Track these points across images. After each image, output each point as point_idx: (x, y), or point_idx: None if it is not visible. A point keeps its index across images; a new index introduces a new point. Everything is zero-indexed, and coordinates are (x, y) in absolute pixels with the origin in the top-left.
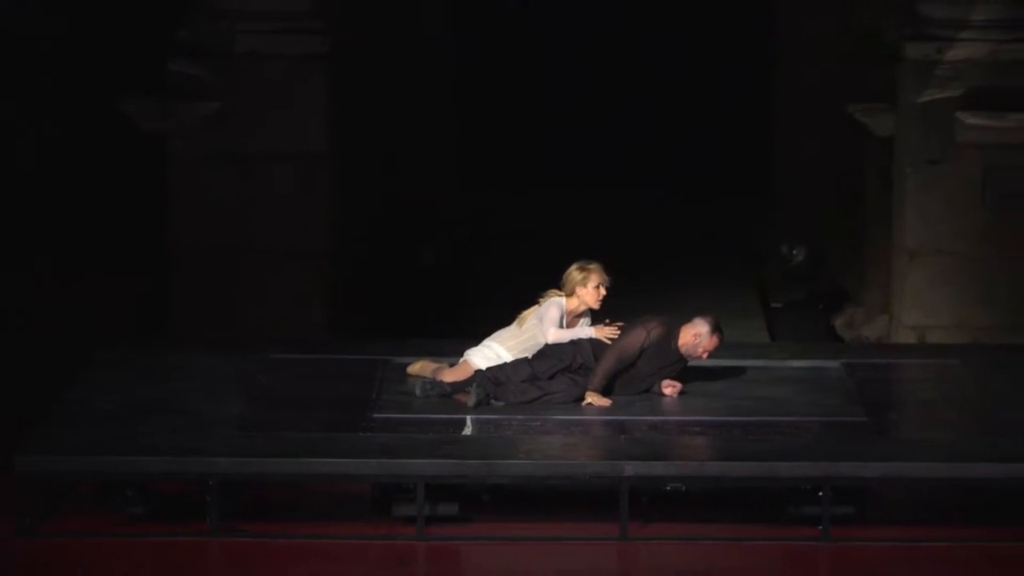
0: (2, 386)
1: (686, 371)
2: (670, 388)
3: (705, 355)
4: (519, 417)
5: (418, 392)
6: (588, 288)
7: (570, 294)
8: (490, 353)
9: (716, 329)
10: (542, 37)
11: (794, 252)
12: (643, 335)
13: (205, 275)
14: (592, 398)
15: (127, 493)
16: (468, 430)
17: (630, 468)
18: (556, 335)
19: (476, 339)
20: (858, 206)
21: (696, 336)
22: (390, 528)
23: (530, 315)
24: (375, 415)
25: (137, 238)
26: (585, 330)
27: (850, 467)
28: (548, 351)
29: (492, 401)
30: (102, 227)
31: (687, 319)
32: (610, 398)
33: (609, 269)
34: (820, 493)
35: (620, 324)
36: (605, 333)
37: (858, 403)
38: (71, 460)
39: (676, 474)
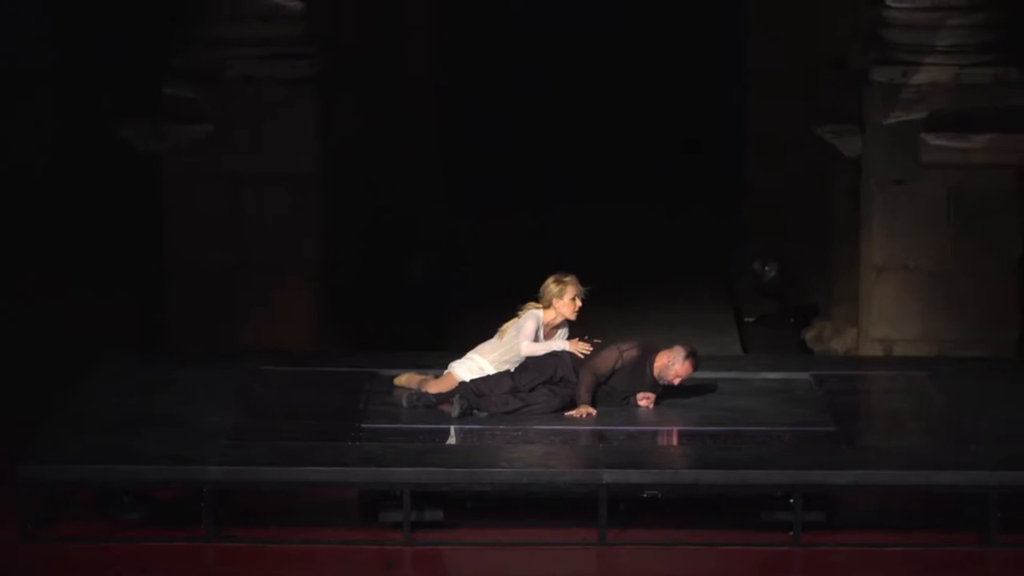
0: (5, 397)
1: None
2: (645, 400)
3: (677, 380)
4: (501, 427)
5: (404, 403)
6: (564, 300)
7: (547, 306)
8: (473, 365)
9: (690, 356)
10: (520, 60)
11: (766, 269)
12: (615, 356)
13: (200, 291)
14: (582, 410)
15: (124, 500)
16: (452, 439)
17: (608, 476)
18: (530, 348)
19: (460, 352)
20: (827, 224)
21: (669, 360)
22: (378, 533)
23: (510, 327)
24: (363, 425)
25: (135, 255)
26: (559, 343)
27: (820, 475)
28: (529, 364)
29: (475, 412)
30: (102, 244)
31: (667, 345)
32: (581, 407)
33: (587, 283)
34: (791, 500)
35: (596, 340)
36: (578, 348)
37: (827, 413)
38: (71, 468)
39: (652, 482)
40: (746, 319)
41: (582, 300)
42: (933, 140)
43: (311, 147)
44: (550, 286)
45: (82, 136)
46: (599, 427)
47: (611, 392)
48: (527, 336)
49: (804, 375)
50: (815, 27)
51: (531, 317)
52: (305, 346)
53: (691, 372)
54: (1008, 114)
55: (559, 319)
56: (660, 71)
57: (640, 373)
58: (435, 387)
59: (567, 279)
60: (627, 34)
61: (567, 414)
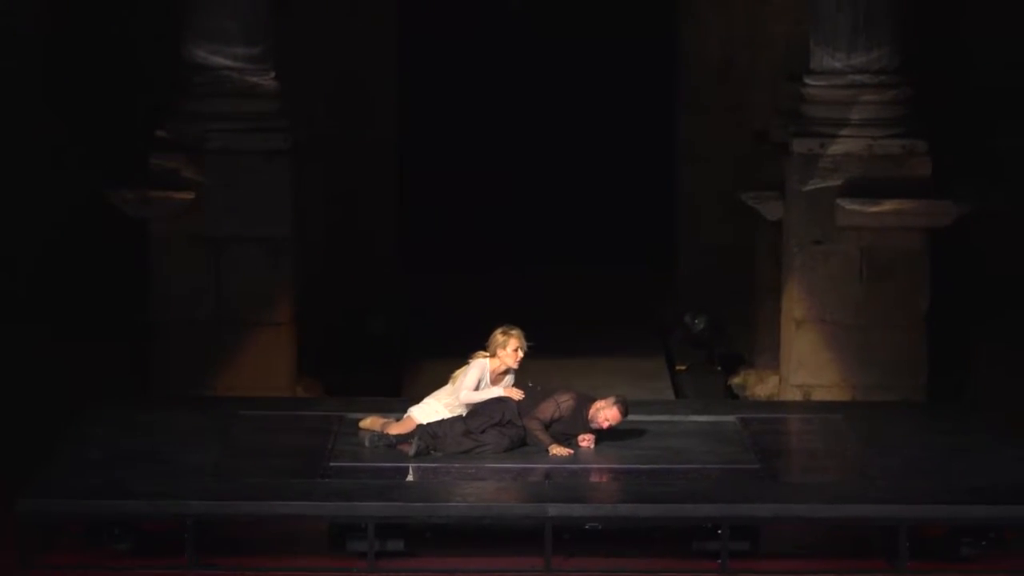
0: (5, 439)
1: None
2: (585, 441)
3: (606, 424)
4: (456, 465)
5: (367, 443)
6: (508, 350)
7: (493, 355)
8: (429, 409)
9: (618, 403)
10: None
11: (696, 321)
12: (553, 407)
13: (183, 342)
14: (555, 450)
15: (114, 532)
16: (412, 477)
17: (553, 509)
18: (468, 396)
19: (418, 398)
20: (751, 281)
21: (598, 408)
22: (345, 562)
23: (460, 374)
24: (331, 463)
25: (124, 309)
26: (494, 391)
27: (745, 508)
28: (479, 409)
29: (432, 451)
30: (95, 300)
31: (599, 394)
32: (553, 447)
33: (534, 335)
34: (719, 531)
35: (535, 385)
36: (512, 393)
37: (752, 452)
38: (65, 503)
39: (593, 515)
40: (678, 367)
41: (524, 351)
42: (847, 205)
43: (284, 212)
44: (497, 337)
45: (79, 203)
46: (545, 465)
47: (554, 434)
48: (467, 385)
49: (731, 418)
50: (741, 104)
51: (476, 366)
52: (278, 392)
53: (620, 418)
54: (915, 182)
55: (503, 367)
56: (605, 145)
57: (577, 420)
58: (396, 429)
59: (512, 332)
60: (573, 108)
61: (552, 453)
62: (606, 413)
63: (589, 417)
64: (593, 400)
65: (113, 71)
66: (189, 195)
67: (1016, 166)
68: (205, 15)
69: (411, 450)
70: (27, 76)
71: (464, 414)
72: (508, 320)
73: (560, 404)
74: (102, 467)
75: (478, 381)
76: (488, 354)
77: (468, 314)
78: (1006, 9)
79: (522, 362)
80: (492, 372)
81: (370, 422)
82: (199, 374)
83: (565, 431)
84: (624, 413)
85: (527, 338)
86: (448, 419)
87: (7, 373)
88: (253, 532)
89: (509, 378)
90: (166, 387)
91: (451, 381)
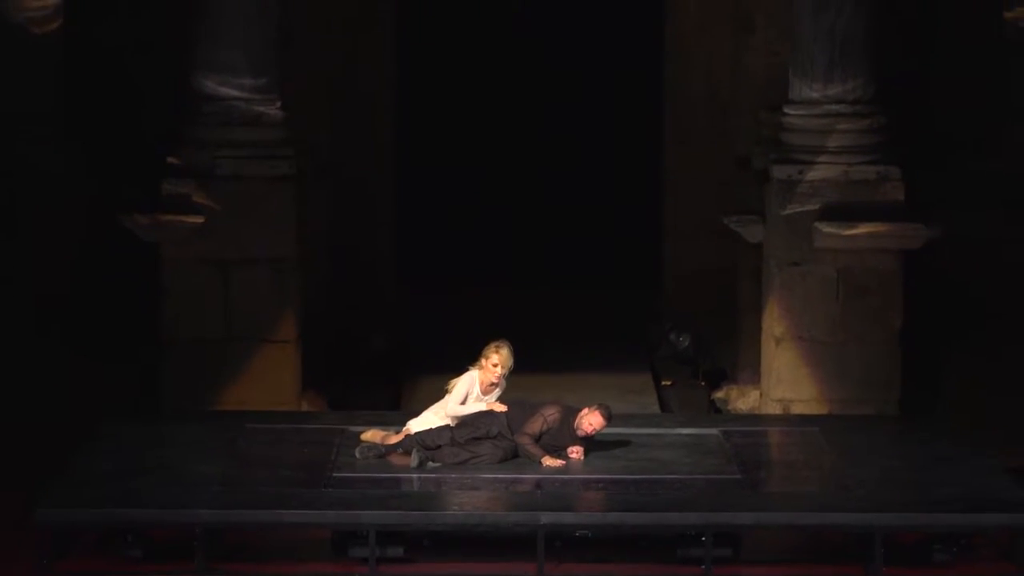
0: (25, 452)
1: (592, 437)
2: (575, 453)
3: (591, 430)
4: (452, 476)
5: (357, 455)
6: (487, 365)
7: (480, 368)
8: (426, 422)
9: (600, 410)
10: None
11: (681, 339)
12: (541, 421)
13: (193, 359)
14: (548, 462)
15: (127, 539)
16: (411, 487)
17: (545, 518)
18: (453, 409)
19: (416, 411)
20: (734, 301)
21: (582, 417)
22: (347, 567)
23: (452, 386)
24: (334, 474)
25: (137, 328)
26: (478, 405)
27: (727, 516)
28: (467, 420)
29: (430, 463)
30: (110, 319)
31: (582, 405)
32: (545, 458)
33: (525, 352)
34: (703, 538)
35: (515, 399)
36: (493, 407)
37: (734, 463)
38: (81, 512)
39: (583, 523)
40: (663, 383)
41: (504, 366)
42: (824, 228)
43: (289, 235)
44: (484, 350)
45: (97, 227)
46: (537, 475)
47: (544, 446)
48: (455, 399)
49: (714, 431)
50: (723, 133)
51: (463, 380)
52: (284, 407)
53: (604, 423)
54: (889, 206)
55: (488, 380)
56: (596, 174)
57: (564, 430)
58: (395, 440)
59: (494, 345)
60: (567, 141)
61: (545, 464)
62: (590, 420)
63: (575, 426)
64: (577, 410)
65: (126, 102)
66: (199, 219)
67: (982, 192)
68: (214, 48)
69: (412, 462)
70: (47, 108)
71: (452, 424)
72: (502, 338)
73: (547, 417)
74: (116, 478)
75: (465, 394)
76: (478, 367)
77: (464, 332)
78: (972, 44)
79: (506, 377)
80: (482, 384)
81: (371, 435)
82: (208, 390)
83: (554, 442)
84: (607, 418)
85: (516, 353)
86: (436, 428)
87: (28, 389)
88: (259, 539)
89: (496, 392)
90: (177, 402)
91: (446, 393)
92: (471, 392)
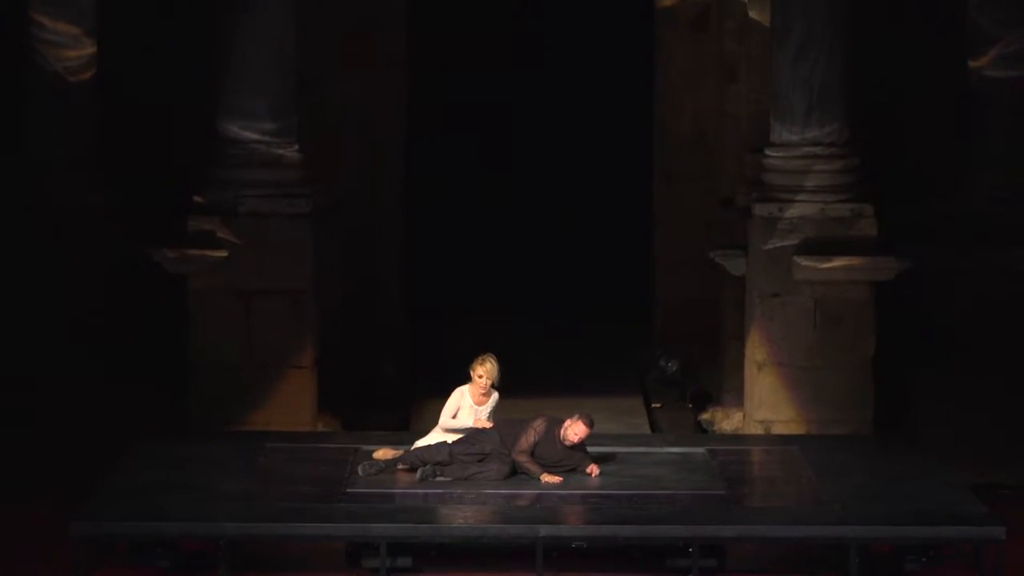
0: (62, 470)
1: (583, 446)
2: (592, 471)
3: (576, 438)
4: (458, 491)
5: (360, 472)
6: (475, 376)
7: (471, 382)
8: (431, 440)
9: (582, 418)
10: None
11: (669, 364)
12: (531, 434)
13: (217, 383)
14: (546, 478)
15: (156, 550)
16: (420, 501)
17: (544, 530)
18: (444, 423)
19: (424, 431)
20: (718, 329)
21: (567, 427)
22: None
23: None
24: (348, 490)
25: (166, 354)
26: (470, 416)
27: (713, 529)
28: (466, 437)
29: (438, 478)
30: (140, 346)
31: (569, 415)
32: (543, 475)
33: (523, 377)
34: (690, 549)
35: (506, 419)
36: (480, 424)
37: (719, 479)
38: (113, 525)
39: (579, 535)
40: (653, 405)
41: (487, 378)
42: (803, 261)
43: (307, 268)
44: (471, 365)
45: (129, 260)
46: (536, 491)
47: (542, 460)
48: (446, 413)
49: (700, 449)
50: (709, 173)
51: (454, 395)
52: (301, 427)
53: (587, 430)
54: (862, 241)
55: (478, 392)
56: (590, 211)
57: (552, 442)
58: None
59: (483, 359)
60: (562, 182)
61: (543, 481)
62: (575, 429)
63: (561, 435)
64: (561, 421)
65: (157, 146)
66: (223, 253)
67: (949, 228)
68: (237, 96)
69: (418, 477)
70: (85, 152)
71: (450, 441)
72: (503, 362)
73: (536, 429)
74: (146, 493)
75: (456, 408)
76: (470, 382)
77: (468, 359)
78: (940, 90)
79: (495, 387)
80: (473, 396)
81: (382, 453)
82: (232, 411)
83: (543, 453)
84: (590, 426)
85: (517, 376)
86: (434, 444)
87: (64, 412)
88: (279, 550)
89: (489, 403)
90: (203, 423)
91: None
92: (462, 405)
